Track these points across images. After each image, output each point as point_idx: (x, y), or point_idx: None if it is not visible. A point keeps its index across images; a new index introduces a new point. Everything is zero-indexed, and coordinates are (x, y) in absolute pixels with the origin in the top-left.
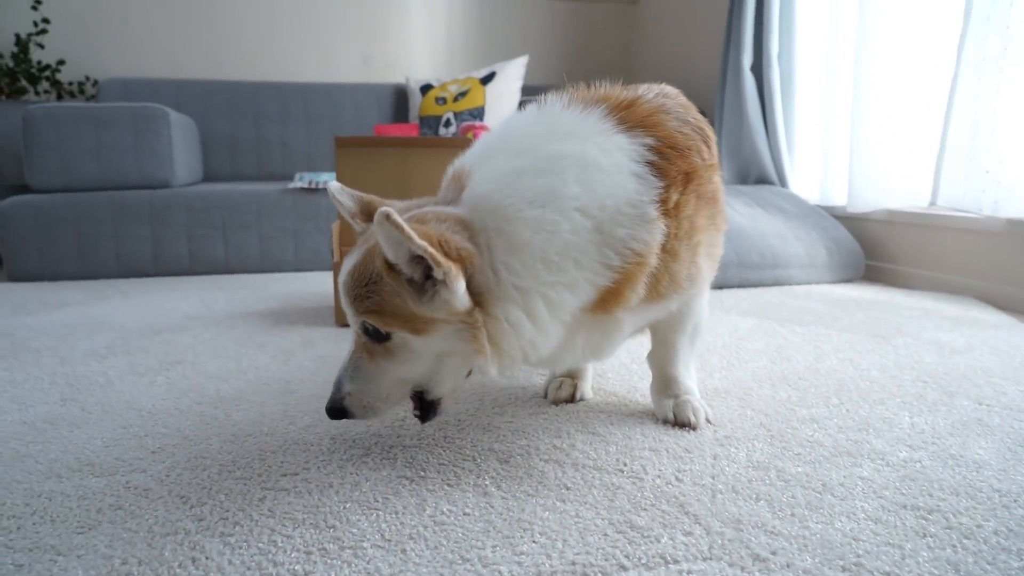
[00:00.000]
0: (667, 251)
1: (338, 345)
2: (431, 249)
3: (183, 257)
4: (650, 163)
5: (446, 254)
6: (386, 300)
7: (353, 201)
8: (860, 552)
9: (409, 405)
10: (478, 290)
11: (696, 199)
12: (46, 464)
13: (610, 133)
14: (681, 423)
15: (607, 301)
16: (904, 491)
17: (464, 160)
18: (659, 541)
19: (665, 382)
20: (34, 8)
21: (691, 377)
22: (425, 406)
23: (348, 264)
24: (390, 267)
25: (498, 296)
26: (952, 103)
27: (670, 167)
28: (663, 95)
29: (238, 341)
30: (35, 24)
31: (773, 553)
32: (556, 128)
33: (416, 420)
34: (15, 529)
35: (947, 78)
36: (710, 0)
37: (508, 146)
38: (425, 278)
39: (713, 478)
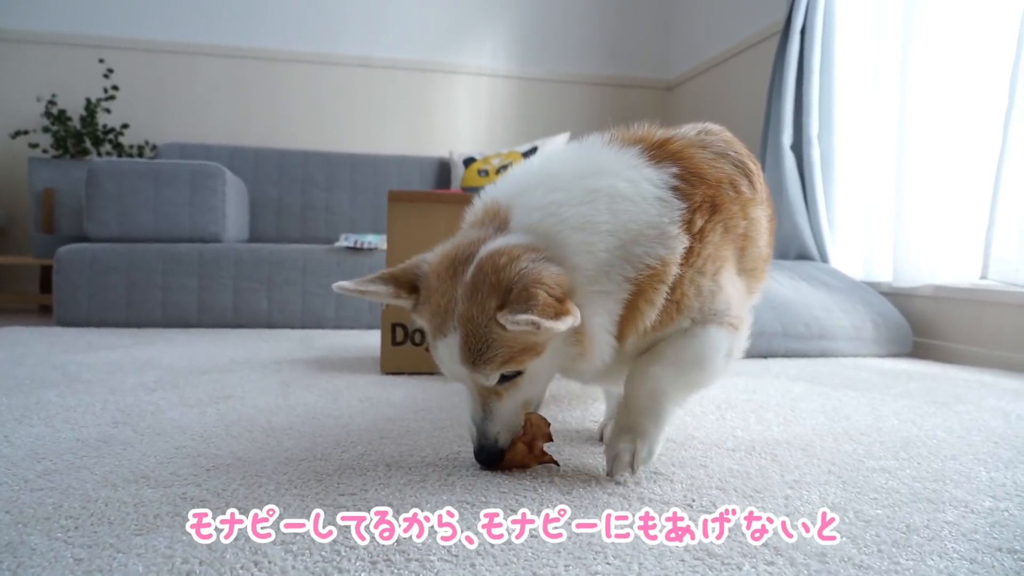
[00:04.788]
0: (692, 266)
1: (385, 390)
2: (570, 319)
3: (227, 309)
4: (674, 188)
5: (558, 299)
6: (514, 346)
7: (385, 285)
8: None
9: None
10: None
11: (723, 232)
12: (101, 475)
13: (640, 167)
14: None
15: (629, 315)
16: (996, 536)
17: (496, 195)
18: (740, 569)
19: (628, 409)
20: (106, 76)
21: (655, 415)
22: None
23: (452, 344)
24: (507, 330)
25: (579, 305)
26: (1000, 176)
27: (694, 191)
28: (705, 131)
29: (285, 382)
30: (105, 91)
31: None
32: (591, 166)
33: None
34: (73, 528)
35: (994, 151)
36: (748, 83)
37: (546, 182)
38: None
39: (788, 516)
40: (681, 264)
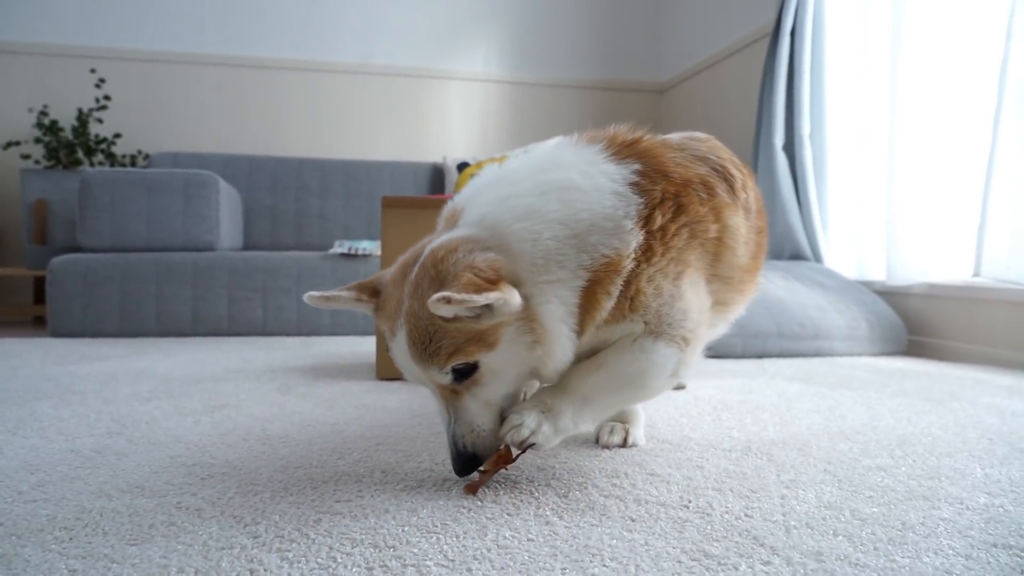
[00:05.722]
0: (652, 264)
1: (380, 397)
2: (493, 295)
3: (222, 318)
4: (633, 184)
5: (488, 280)
6: (458, 336)
7: (348, 292)
8: None
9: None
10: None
11: (689, 236)
12: (95, 485)
13: (599, 162)
14: (514, 430)
15: (587, 306)
16: (991, 532)
17: (458, 199)
18: (737, 569)
19: (554, 389)
20: (97, 86)
21: (577, 410)
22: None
23: (401, 340)
24: (447, 320)
25: (523, 293)
26: (991, 174)
27: (654, 187)
28: (690, 137)
29: (280, 390)
30: (96, 100)
31: None
32: (549, 162)
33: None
34: (67, 539)
35: (985, 149)
36: (739, 84)
37: (502, 180)
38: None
39: (784, 515)
40: (640, 260)
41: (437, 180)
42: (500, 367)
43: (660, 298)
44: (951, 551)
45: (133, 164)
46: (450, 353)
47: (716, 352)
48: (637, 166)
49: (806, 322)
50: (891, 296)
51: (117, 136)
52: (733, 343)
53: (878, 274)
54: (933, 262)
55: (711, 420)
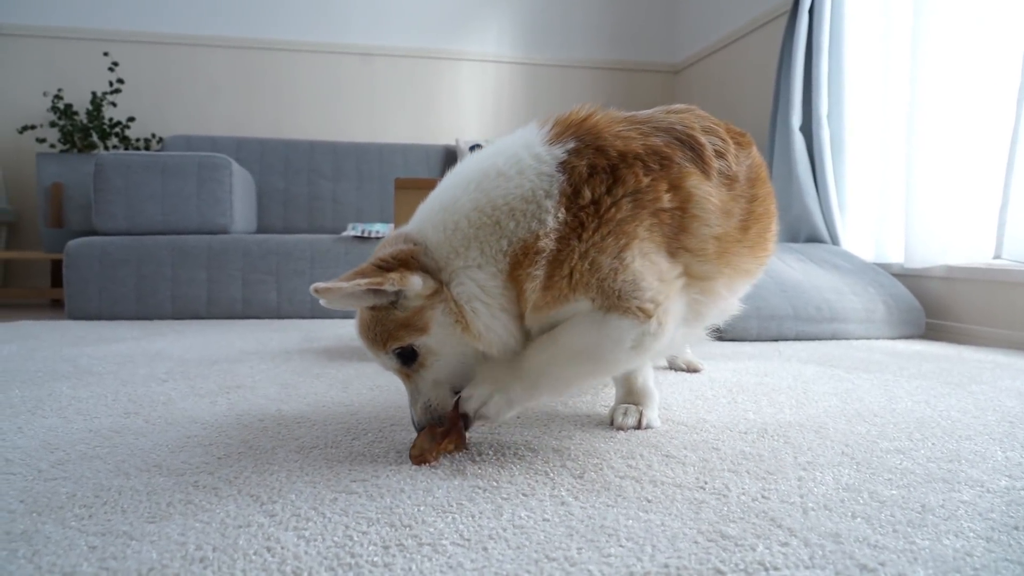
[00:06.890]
0: (584, 240)
1: (394, 378)
2: (364, 281)
3: (237, 301)
4: (562, 163)
5: (387, 268)
6: (389, 324)
7: None
8: (977, 566)
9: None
10: (435, 276)
11: (634, 206)
12: (114, 464)
13: (534, 145)
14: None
15: (518, 288)
16: (1012, 514)
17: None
18: (754, 550)
19: (508, 363)
20: (111, 69)
21: (531, 382)
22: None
23: (357, 333)
24: (372, 309)
25: (444, 279)
26: (1014, 153)
27: (579, 163)
28: (666, 110)
29: (295, 372)
30: (110, 84)
31: (881, 564)
32: (487, 152)
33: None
34: (87, 516)
35: (1007, 129)
36: (756, 64)
37: (447, 176)
38: (395, 294)
39: (802, 497)
40: (570, 238)
41: (450, 162)
42: (438, 348)
43: (599, 273)
44: (971, 533)
45: (147, 148)
46: (385, 339)
47: (731, 335)
48: (572, 144)
49: (822, 305)
50: (909, 279)
51: (131, 120)
52: (749, 326)
53: (896, 256)
54: (952, 244)
55: (727, 402)
